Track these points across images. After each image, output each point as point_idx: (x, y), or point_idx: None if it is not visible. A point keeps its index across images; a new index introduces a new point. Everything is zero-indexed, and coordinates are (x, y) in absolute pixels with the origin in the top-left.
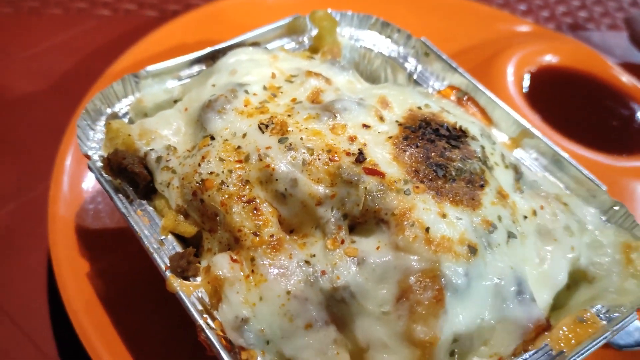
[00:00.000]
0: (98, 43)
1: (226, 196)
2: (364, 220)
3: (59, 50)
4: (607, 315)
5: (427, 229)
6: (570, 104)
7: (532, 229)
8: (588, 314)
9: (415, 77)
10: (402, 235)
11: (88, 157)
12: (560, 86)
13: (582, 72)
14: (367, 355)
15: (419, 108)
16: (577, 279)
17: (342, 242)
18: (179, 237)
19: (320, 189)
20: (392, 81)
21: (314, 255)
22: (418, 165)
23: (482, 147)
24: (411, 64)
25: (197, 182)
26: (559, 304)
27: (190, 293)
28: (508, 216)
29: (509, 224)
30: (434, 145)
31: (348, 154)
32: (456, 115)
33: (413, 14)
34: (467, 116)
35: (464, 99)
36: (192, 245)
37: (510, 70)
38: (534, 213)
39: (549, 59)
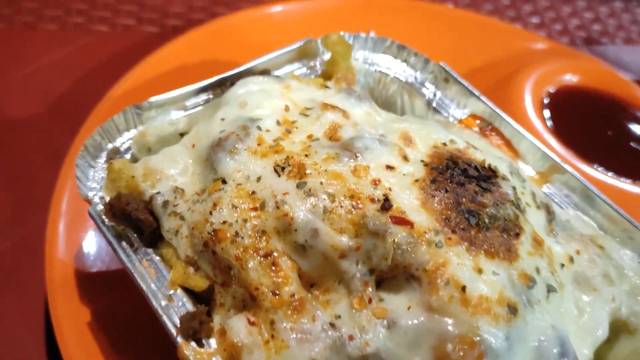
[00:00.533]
0: (96, 60)
1: (241, 249)
2: (392, 276)
3: (55, 69)
4: None
5: (464, 288)
6: (594, 127)
7: (569, 277)
8: None
9: (434, 104)
10: (437, 295)
11: (89, 201)
12: (582, 107)
13: (603, 93)
14: None
15: (444, 144)
16: (617, 329)
17: (370, 300)
18: (188, 289)
19: (344, 240)
20: (409, 108)
21: (339, 317)
22: (448, 212)
23: (514, 188)
24: (429, 90)
25: (208, 233)
26: (599, 357)
27: None
28: (546, 267)
29: (548, 275)
30: (464, 189)
31: (372, 200)
32: (483, 151)
33: (425, 30)
34: (493, 150)
35: (487, 129)
36: (203, 298)
37: (528, 90)
38: (571, 260)
39: (569, 78)
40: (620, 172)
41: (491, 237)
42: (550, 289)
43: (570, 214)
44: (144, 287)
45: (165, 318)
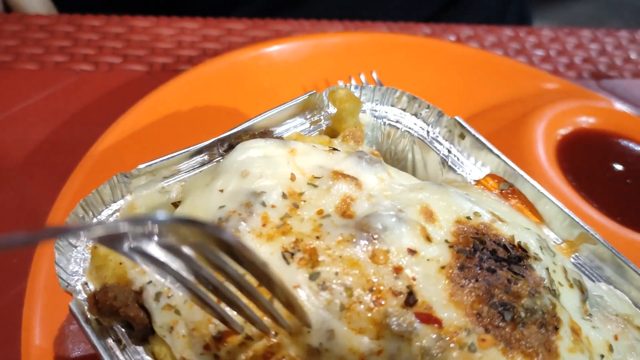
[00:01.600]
0: (79, 103)
1: (250, 354)
2: None
3: (34, 113)
4: None
5: None
6: (613, 173)
7: None
8: None
9: (449, 162)
10: None
11: (70, 293)
12: (599, 152)
13: (620, 136)
14: None
15: (468, 218)
16: None
17: None
18: None
19: (364, 342)
20: (422, 165)
21: None
22: (480, 306)
23: (547, 269)
24: (443, 145)
25: (213, 336)
26: None
27: None
28: None
29: None
30: (495, 276)
31: (395, 293)
32: (509, 223)
33: (430, 68)
34: (517, 217)
35: (508, 190)
36: None
37: (541, 133)
38: (610, 348)
39: (584, 120)
40: None
41: (528, 335)
42: None
43: (602, 288)
44: None
45: None
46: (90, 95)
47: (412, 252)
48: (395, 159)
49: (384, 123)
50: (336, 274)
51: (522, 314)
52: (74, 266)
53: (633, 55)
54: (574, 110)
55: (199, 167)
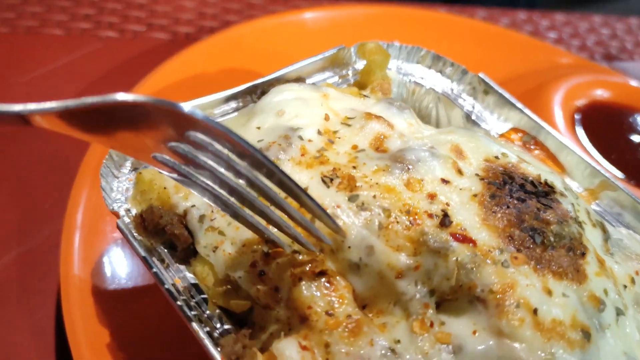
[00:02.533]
0: (103, 68)
1: (297, 268)
2: (454, 298)
3: (60, 76)
4: None
5: (535, 311)
6: (629, 145)
7: (631, 299)
8: None
9: (473, 117)
10: (506, 318)
11: (116, 214)
12: (616, 125)
13: (636, 111)
14: None
15: (496, 158)
16: None
17: (432, 324)
18: (224, 310)
19: (402, 259)
20: (446, 120)
21: (399, 341)
22: (512, 229)
23: (572, 205)
24: (467, 101)
25: (264, 252)
26: None
27: None
28: (613, 288)
29: (615, 298)
30: (525, 205)
31: (430, 215)
32: (535, 166)
33: (445, 40)
34: (542, 165)
35: (531, 143)
36: (239, 319)
37: (558, 104)
38: (632, 281)
39: (600, 93)
40: None
41: (557, 257)
42: (619, 312)
43: (622, 232)
44: (183, 308)
45: (207, 341)
46: (115, 61)
47: (445, 181)
48: (419, 116)
49: (409, 80)
50: (374, 197)
51: (552, 239)
52: (116, 194)
53: None
54: (589, 83)
55: (232, 112)
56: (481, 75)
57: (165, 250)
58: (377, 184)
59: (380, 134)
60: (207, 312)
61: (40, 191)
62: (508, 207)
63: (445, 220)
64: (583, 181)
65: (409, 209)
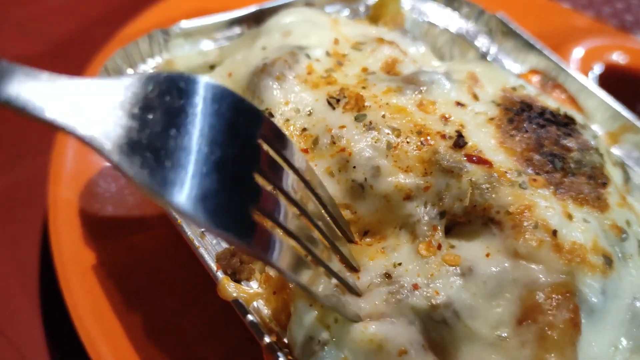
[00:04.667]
0: (105, 3)
1: None
2: (466, 220)
3: (60, 10)
4: None
5: (554, 232)
6: None
7: None
8: None
9: (489, 58)
10: (523, 239)
11: None
12: (632, 89)
13: None
14: None
15: (514, 89)
16: None
17: (439, 247)
18: None
19: (410, 180)
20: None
21: (400, 264)
22: (530, 153)
23: (595, 137)
24: (483, 43)
25: None
26: None
27: (251, 302)
28: (636, 221)
29: (638, 230)
30: (545, 130)
31: (443, 136)
32: (555, 102)
33: None
34: (561, 104)
35: (549, 84)
36: None
37: (573, 65)
38: None
39: (616, 57)
40: None
41: (578, 184)
42: None
43: None
44: (179, 219)
45: (202, 250)
46: None
47: (460, 104)
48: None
49: (423, 20)
50: (383, 116)
51: (572, 165)
52: None
53: None
54: (606, 47)
55: (238, 37)
56: (499, 15)
57: None
58: (387, 104)
59: (392, 58)
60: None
61: (29, 126)
62: (527, 131)
63: (459, 141)
64: (604, 124)
65: (421, 130)
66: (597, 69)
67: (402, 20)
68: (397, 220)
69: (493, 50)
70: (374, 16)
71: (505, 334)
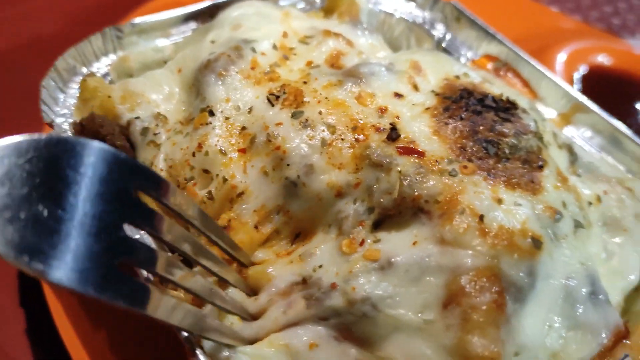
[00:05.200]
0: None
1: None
2: (397, 212)
3: (47, 11)
4: None
5: (481, 217)
6: (628, 113)
7: (597, 217)
8: None
9: (444, 45)
10: (450, 225)
11: (51, 125)
12: (616, 92)
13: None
14: None
15: (457, 77)
16: None
17: (362, 242)
18: None
19: (342, 177)
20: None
21: (321, 266)
22: (464, 141)
23: (535, 122)
24: (439, 30)
25: (185, 179)
26: (628, 305)
27: None
28: (573, 202)
29: (575, 211)
30: (481, 117)
31: (378, 129)
32: (500, 87)
33: None
34: (510, 89)
35: (503, 69)
36: None
37: (559, 65)
38: (598, 199)
39: (601, 59)
40: None
41: (511, 168)
42: (577, 225)
43: (594, 156)
44: None
45: None
46: None
47: (398, 95)
48: (391, 47)
49: (380, 10)
50: (320, 113)
51: (506, 150)
52: (62, 109)
53: None
54: (591, 48)
55: (192, 32)
56: (453, 2)
57: None
58: (326, 98)
59: (337, 51)
60: None
61: (19, 124)
62: (462, 118)
63: (392, 134)
64: (556, 105)
65: (356, 125)
66: (583, 70)
67: (357, 11)
68: (328, 219)
69: (449, 37)
70: (329, 8)
71: (431, 318)
